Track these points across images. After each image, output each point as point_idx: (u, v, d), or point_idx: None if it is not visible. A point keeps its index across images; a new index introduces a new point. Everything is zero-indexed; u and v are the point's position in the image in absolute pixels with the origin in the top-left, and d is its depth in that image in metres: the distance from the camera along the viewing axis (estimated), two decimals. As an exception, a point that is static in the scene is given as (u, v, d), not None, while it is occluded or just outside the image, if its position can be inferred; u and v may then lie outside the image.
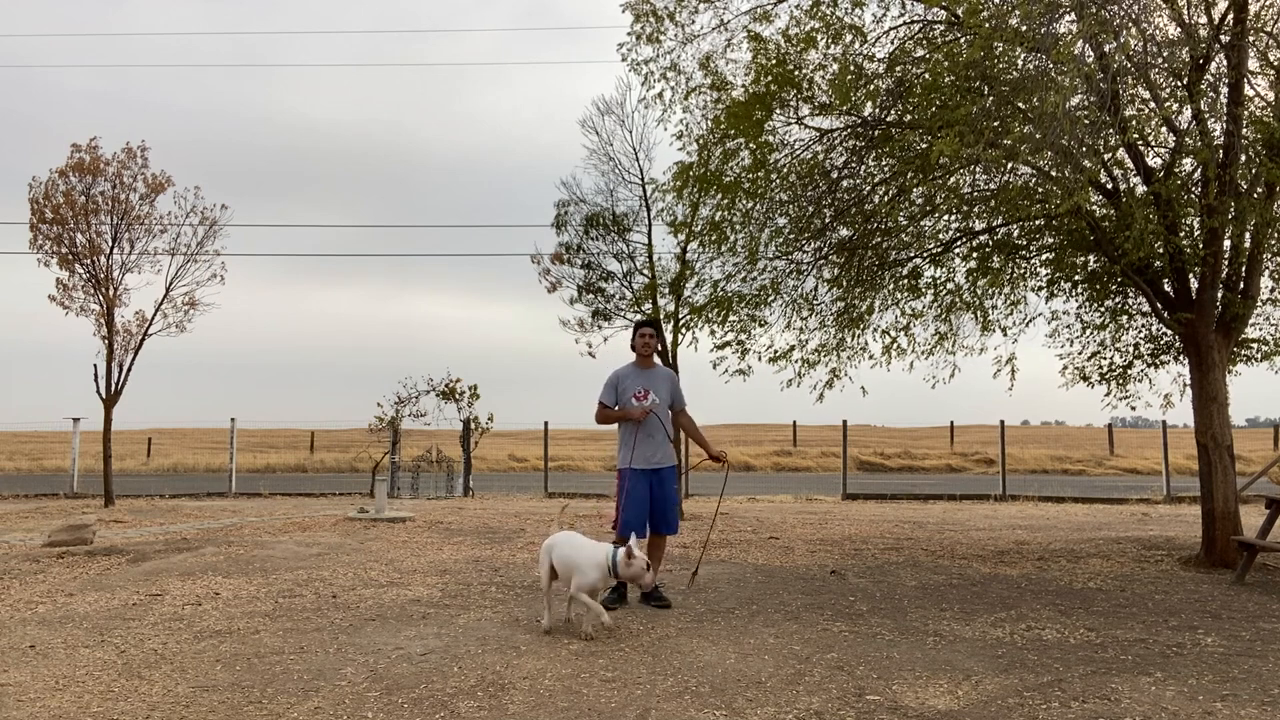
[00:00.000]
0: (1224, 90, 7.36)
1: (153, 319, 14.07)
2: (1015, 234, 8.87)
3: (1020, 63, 6.89)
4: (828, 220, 8.79)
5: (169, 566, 7.69)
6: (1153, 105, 7.44)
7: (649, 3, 8.78)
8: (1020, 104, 6.82)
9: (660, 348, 12.37)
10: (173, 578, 7.11)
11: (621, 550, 5.10)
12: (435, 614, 5.77)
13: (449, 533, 10.29)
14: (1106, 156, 7.66)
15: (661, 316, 12.33)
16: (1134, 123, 7.26)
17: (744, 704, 3.94)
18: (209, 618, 5.68)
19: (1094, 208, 8.11)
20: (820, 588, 6.73)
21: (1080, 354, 9.71)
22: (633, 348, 6.35)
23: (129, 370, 14.01)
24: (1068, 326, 9.65)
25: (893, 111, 7.95)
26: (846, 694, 4.07)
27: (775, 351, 9.69)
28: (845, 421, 19.19)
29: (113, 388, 13.91)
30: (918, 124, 7.68)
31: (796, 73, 8.20)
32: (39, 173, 16.27)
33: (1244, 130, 7.11)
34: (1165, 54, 6.88)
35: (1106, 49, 6.65)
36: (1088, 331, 9.57)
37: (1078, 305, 9.44)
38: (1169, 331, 8.67)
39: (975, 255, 9.05)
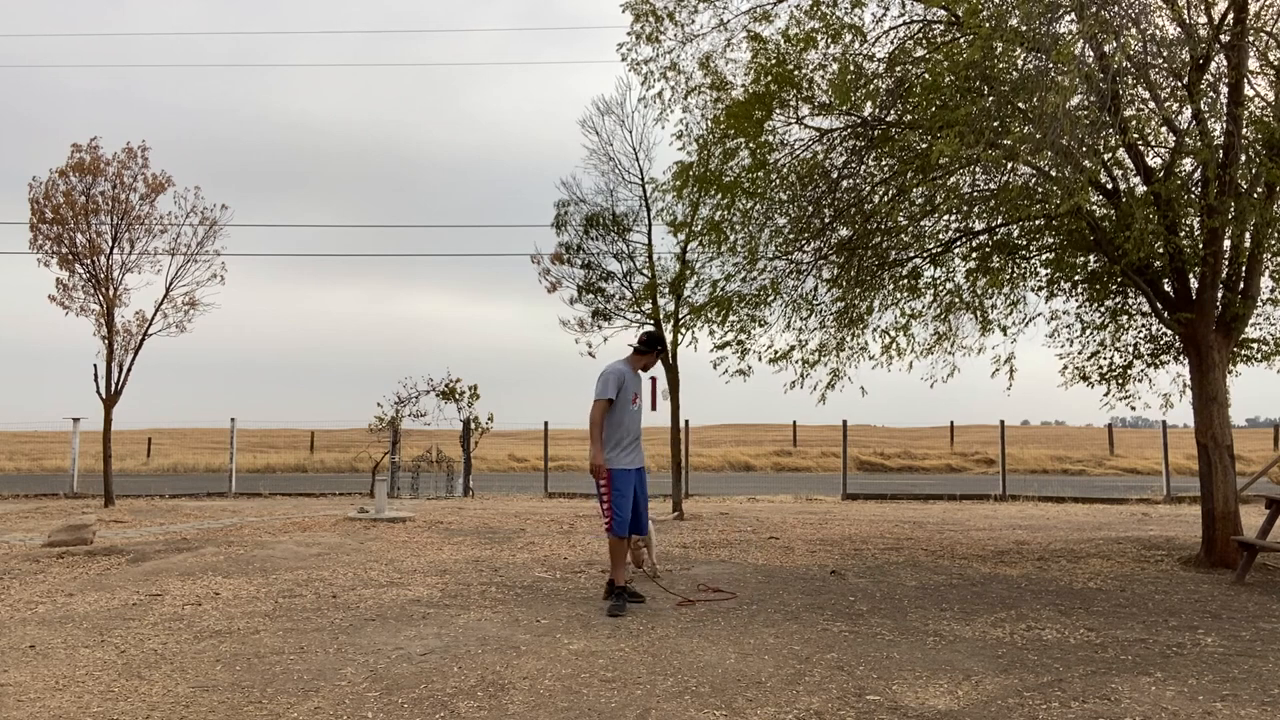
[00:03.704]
0: (1224, 90, 7.36)
1: (153, 319, 14.07)
2: (1015, 234, 8.87)
3: (1020, 63, 6.89)
4: (827, 220, 8.78)
5: (169, 566, 7.69)
6: (1153, 105, 7.44)
7: (649, 2, 8.77)
8: (1020, 104, 6.82)
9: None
10: (173, 578, 7.12)
11: None
12: (435, 614, 5.77)
13: (449, 533, 10.29)
14: (1106, 156, 7.65)
15: (661, 316, 12.33)
16: (1134, 123, 7.25)
17: (744, 704, 3.94)
18: (209, 618, 5.68)
19: (1094, 208, 8.10)
20: (820, 588, 6.73)
21: (1080, 354, 9.70)
22: (638, 351, 6.26)
23: (129, 370, 14.02)
24: (1067, 326, 9.64)
25: (893, 111, 7.94)
26: (846, 694, 4.07)
27: (775, 352, 9.70)
28: (845, 421, 19.19)
29: (113, 388, 13.91)
30: (918, 124, 7.67)
31: (796, 73, 8.20)
32: (39, 173, 16.30)
33: (1244, 130, 7.10)
34: (1165, 54, 6.88)
35: (1106, 49, 6.65)
36: (1088, 331, 9.56)
37: (1078, 305, 9.43)
38: (1169, 331, 8.66)
39: (975, 255, 9.05)
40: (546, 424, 19.95)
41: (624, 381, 6.11)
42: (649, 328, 12.05)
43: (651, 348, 6.27)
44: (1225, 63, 7.26)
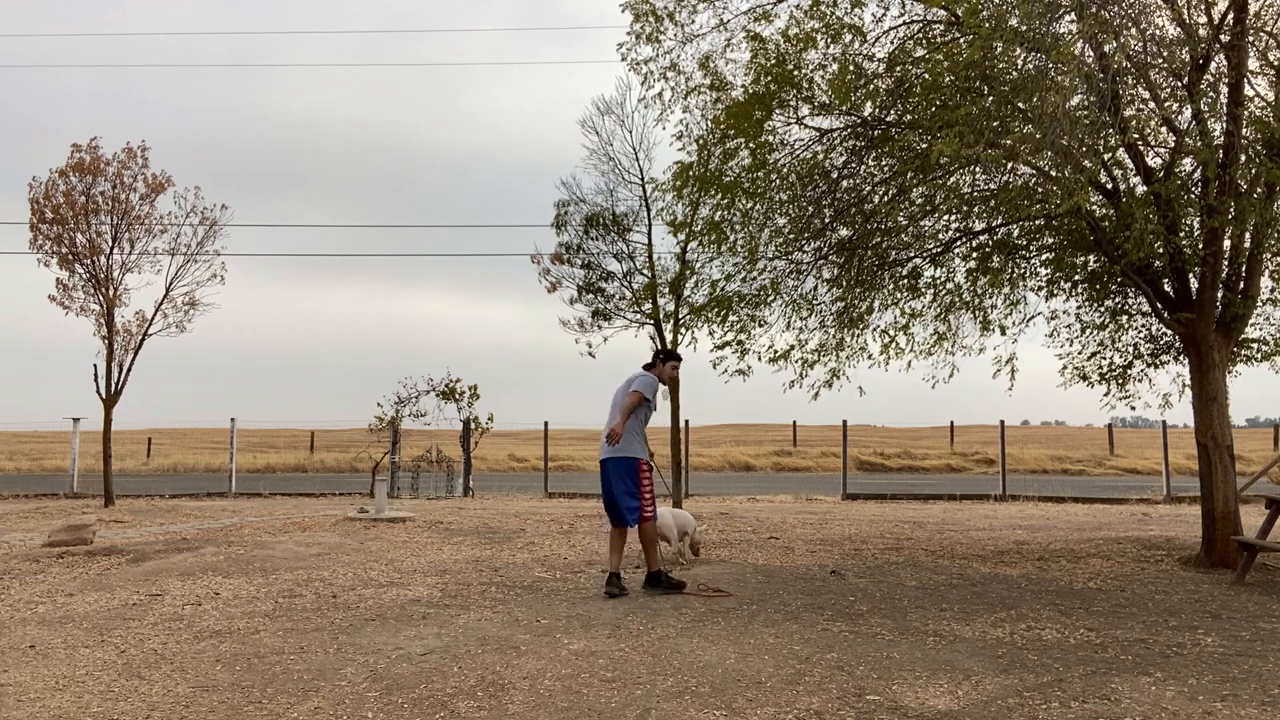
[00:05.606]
0: (1224, 90, 7.36)
1: (153, 319, 14.09)
2: (1015, 234, 8.87)
3: (1020, 63, 6.89)
4: (827, 220, 8.78)
5: (169, 566, 7.69)
6: (1153, 105, 7.44)
7: (648, 2, 8.77)
8: (1020, 104, 6.82)
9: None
10: (173, 578, 7.12)
11: None
12: (435, 614, 5.77)
13: (449, 533, 10.29)
14: (1106, 156, 7.65)
15: (661, 316, 12.33)
16: (1134, 123, 7.25)
17: (744, 704, 3.94)
18: (209, 618, 5.68)
19: (1094, 208, 8.10)
20: (820, 588, 6.73)
21: (1080, 354, 9.70)
22: (659, 374, 6.78)
23: (129, 370, 14.03)
24: (1067, 326, 9.65)
25: (893, 111, 7.94)
26: (846, 694, 4.07)
27: (775, 351, 9.69)
28: (845, 421, 19.20)
29: (113, 388, 13.92)
30: (918, 124, 7.68)
31: (796, 73, 8.19)
32: (39, 173, 16.30)
33: (1244, 130, 7.10)
34: (1165, 54, 6.88)
35: (1106, 49, 6.65)
36: (1087, 331, 9.56)
37: (1077, 305, 9.43)
38: (1169, 331, 8.66)
39: (975, 255, 9.05)
40: (546, 424, 19.96)
41: (655, 392, 6.71)
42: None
43: (655, 358, 6.92)
44: (1225, 63, 7.26)
